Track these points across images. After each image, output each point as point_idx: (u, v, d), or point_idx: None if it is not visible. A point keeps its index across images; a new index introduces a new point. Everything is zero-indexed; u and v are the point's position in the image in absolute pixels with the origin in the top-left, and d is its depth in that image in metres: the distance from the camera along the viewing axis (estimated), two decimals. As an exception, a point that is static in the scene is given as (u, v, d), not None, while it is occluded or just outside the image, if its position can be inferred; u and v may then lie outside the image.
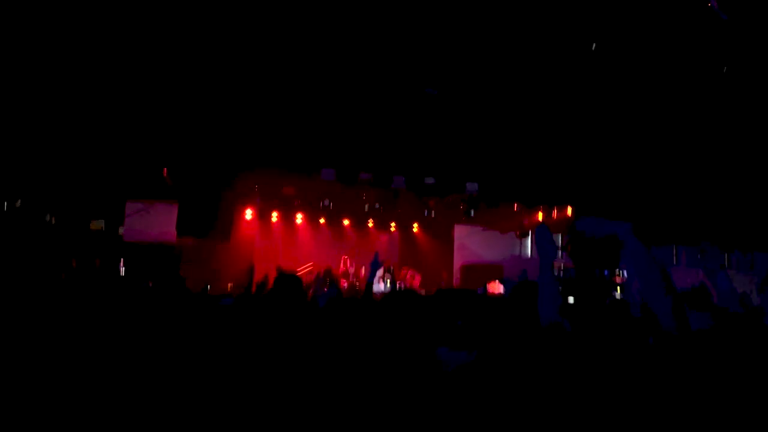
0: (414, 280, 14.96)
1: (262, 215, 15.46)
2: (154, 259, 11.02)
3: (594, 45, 7.17)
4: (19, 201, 9.86)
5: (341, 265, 14.72)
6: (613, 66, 7.45)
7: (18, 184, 9.46)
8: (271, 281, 10.89)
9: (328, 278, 11.14)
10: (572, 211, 10.82)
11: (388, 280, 13.09)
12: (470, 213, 12.72)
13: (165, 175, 9.32)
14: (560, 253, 12.98)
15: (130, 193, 11.59)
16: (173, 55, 7.10)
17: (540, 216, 13.39)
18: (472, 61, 7.57)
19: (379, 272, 12.48)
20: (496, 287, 9.84)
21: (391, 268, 13.86)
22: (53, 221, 11.02)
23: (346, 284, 13.23)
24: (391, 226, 16.84)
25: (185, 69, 7.32)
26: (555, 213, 12.52)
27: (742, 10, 5.96)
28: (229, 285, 10.88)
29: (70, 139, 7.92)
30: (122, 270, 10.90)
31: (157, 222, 11.67)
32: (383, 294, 12.91)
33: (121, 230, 12.03)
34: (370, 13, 6.62)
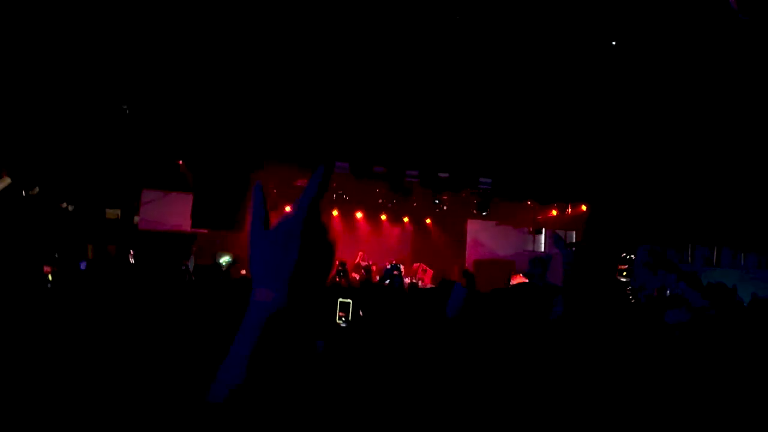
0: (425, 274, 14.95)
1: (276, 207, 15.55)
2: (169, 247, 11.07)
3: (613, 42, 7.10)
4: (37, 188, 9.98)
5: (357, 259, 14.71)
6: (630, 63, 7.38)
7: (36, 172, 9.57)
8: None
9: (341, 269, 11.13)
10: (587, 208, 10.74)
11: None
12: (483, 208, 12.67)
13: (181, 165, 9.39)
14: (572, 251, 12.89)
15: (145, 182, 11.69)
16: (190, 50, 7.15)
17: (554, 212, 13.32)
18: (487, 56, 7.54)
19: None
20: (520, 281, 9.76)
21: (399, 265, 13.79)
22: (70, 209, 11.13)
23: (358, 277, 13.25)
24: (404, 220, 16.85)
25: (201, 64, 7.37)
26: (569, 209, 12.46)
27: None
28: (242, 272, 10.96)
29: (87, 128, 8.01)
30: (131, 258, 10.94)
31: (172, 212, 11.76)
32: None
33: (136, 219, 12.13)
34: (385, 8, 6.61)
